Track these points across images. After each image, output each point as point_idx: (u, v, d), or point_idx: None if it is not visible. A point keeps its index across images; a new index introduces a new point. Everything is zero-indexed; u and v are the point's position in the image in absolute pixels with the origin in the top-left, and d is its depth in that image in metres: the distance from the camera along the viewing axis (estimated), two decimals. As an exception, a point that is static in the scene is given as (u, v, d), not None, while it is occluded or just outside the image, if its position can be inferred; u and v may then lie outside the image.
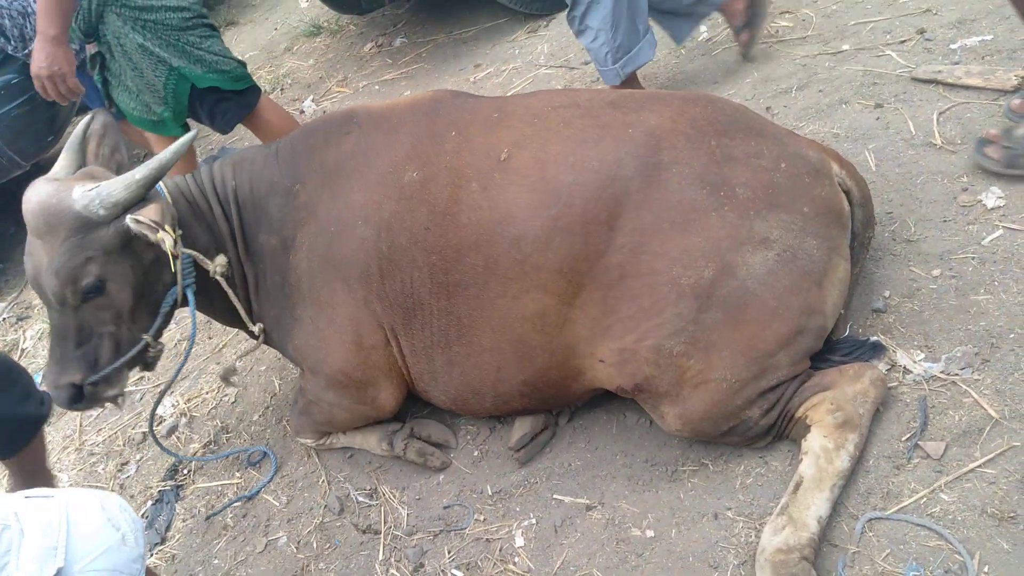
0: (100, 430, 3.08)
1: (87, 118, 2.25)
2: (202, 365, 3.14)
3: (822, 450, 1.78)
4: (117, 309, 2.08)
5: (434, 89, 2.27)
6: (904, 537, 1.72)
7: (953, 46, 2.88)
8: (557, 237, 1.89)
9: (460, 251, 1.99)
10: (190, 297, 2.13)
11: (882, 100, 2.78)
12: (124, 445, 2.94)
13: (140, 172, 1.98)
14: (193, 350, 3.16)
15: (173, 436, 2.87)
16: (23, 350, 3.82)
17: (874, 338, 2.05)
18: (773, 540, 1.70)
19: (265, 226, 2.24)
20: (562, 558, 1.99)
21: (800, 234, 1.84)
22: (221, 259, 2.17)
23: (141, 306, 2.12)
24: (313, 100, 4.90)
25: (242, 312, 2.26)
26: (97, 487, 2.81)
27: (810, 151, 2.00)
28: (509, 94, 3.92)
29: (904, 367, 2.00)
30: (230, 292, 2.20)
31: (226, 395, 2.93)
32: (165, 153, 1.99)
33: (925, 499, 1.76)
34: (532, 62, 4.16)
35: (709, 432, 1.92)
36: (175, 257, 2.03)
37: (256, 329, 2.31)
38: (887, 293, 2.19)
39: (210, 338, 3.31)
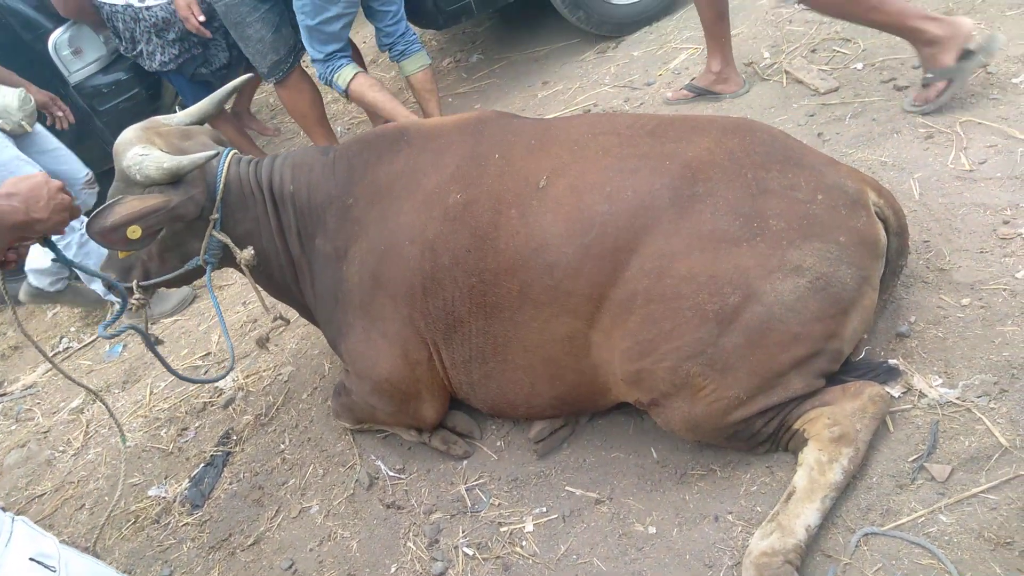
0: (167, 398, 3.35)
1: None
2: (262, 346, 3.37)
3: (816, 463, 1.82)
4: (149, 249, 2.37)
5: (479, 108, 2.40)
6: (898, 553, 1.74)
7: (1015, 80, 2.86)
8: (588, 264, 1.94)
9: (497, 275, 2.07)
10: (208, 272, 2.39)
11: (933, 131, 2.78)
12: (186, 413, 3.19)
13: (184, 160, 2.19)
14: (251, 330, 3.45)
15: (230, 408, 3.10)
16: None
17: (892, 361, 2.07)
18: (760, 544, 1.75)
19: (322, 233, 2.39)
20: (566, 545, 2.08)
21: (835, 263, 1.84)
22: (249, 252, 2.34)
23: (167, 256, 2.39)
24: (390, 109, 5.15)
25: (263, 302, 2.52)
26: (158, 448, 3.07)
27: (848, 181, 1.98)
28: (568, 111, 4.08)
29: (920, 391, 2.02)
30: (251, 280, 2.42)
31: (280, 374, 3.15)
32: (198, 156, 2.22)
33: (924, 519, 1.78)
34: (597, 81, 4.28)
35: (712, 438, 1.99)
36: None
37: (275, 316, 2.59)
38: (913, 318, 2.20)
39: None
